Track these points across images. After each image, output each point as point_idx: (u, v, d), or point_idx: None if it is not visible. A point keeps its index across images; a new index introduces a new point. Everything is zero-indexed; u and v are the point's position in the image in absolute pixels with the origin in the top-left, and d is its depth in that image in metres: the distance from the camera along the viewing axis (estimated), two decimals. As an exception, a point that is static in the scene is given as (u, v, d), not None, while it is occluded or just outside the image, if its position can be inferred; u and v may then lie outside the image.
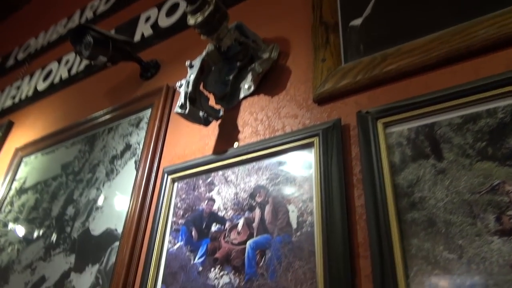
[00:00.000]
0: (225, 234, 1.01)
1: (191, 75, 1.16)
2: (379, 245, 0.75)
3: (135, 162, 1.38)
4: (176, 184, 1.20)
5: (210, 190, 1.11)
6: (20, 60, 2.60)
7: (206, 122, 1.17)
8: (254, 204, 1.00)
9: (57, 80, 2.12)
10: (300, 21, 1.28)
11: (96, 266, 1.23)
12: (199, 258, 1.02)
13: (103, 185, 1.43)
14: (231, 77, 1.25)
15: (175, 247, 1.08)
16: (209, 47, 1.20)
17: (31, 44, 2.63)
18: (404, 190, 0.79)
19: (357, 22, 1.11)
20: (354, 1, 1.15)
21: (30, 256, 1.48)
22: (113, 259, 1.20)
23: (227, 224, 1.02)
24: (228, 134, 1.21)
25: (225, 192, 1.08)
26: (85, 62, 2.03)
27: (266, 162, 1.05)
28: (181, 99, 1.11)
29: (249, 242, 0.95)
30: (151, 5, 1.92)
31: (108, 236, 1.27)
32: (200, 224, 1.07)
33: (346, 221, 0.83)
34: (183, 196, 1.16)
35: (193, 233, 1.07)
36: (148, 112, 1.48)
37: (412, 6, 1.01)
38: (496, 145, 0.74)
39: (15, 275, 1.47)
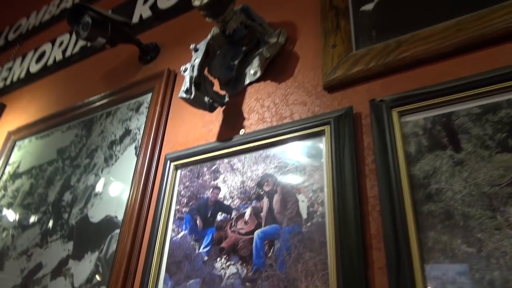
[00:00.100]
0: (232, 224, 0.98)
1: (196, 59, 1.11)
2: (394, 237, 0.74)
3: (135, 148, 1.34)
4: (179, 171, 1.17)
5: (215, 178, 1.08)
6: (10, 41, 2.52)
7: (211, 108, 1.13)
8: (261, 193, 0.98)
9: (50, 62, 2.06)
10: (308, 5, 1.24)
11: (96, 254, 1.20)
12: (204, 248, 0.99)
13: (102, 171, 1.39)
14: (236, 62, 1.21)
15: (179, 235, 1.06)
16: (215, 30, 1.16)
17: (22, 24, 2.54)
18: (420, 181, 0.77)
19: (369, 7, 1.08)
20: (366, -15, 1.11)
21: (26, 242, 1.44)
22: (113, 246, 1.17)
23: (234, 213, 1.00)
24: (233, 121, 1.17)
25: (231, 181, 1.05)
26: (80, 44, 1.96)
27: (274, 150, 1.02)
28: (186, 84, 1.07)
29: (257, 232, 0.93)
30: (150, -14, 1.86)
31: (108, 223, 1.24)
32: (205, 213, 1.05)
33: (359, 212, 0.81)
34: (187, 183, 1.13)
35: (197, 221, 1.05)
36: (148, 97, 1.44)
37: (427, -9, 0.98)
38: (517, 137, 0.72)
39: (10, 261, 1.44)
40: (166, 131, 1.33)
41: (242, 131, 1.12)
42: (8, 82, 2.23)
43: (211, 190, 1.07)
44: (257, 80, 1.20)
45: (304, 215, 0.88)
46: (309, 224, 0.87)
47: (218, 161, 1.11)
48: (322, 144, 0.94)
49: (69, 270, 1.24)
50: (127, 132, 1.41)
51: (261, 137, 1.04)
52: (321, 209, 0.87)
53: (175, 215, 1.10)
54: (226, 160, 1.09)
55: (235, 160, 1.08)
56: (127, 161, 1.33)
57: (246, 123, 1.14)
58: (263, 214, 0.95)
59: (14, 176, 1.73)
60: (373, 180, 0.85)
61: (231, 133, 1.14)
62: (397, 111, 0.85)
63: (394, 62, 0.93)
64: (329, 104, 1.01)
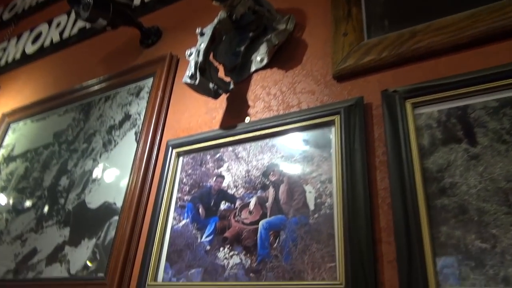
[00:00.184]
0: (236, 213, 0.96)
1: (202, 44, 1.08)
2: (406, 231, 0.72)
3: (135, 133, 1.31)
4: (181, 158, 1.14)
5: (219, 167, 1.06)
6: (5, 20, 2.44)
7: (215, 95, 1.10)
8: (267, 183, 0.96)
9: (47, 43, 2.00)
10: (318, -9, 1.20)
11: (93, 240, 1.18)
12: (206, 237, 0.97)
13: (100, 156, 1.36)
14: (242, 48, 1.18)
15: (181, 224, 1.03)
16: (221, 14, 1.12)
17: (17, 4, 2.47)
18: (434, 174, 0.76)
19: (381, -5, 1.05)
20: (379, -27, 1.08)
21: (20, 227, 1.41)
22: (111, 233, 1.15)
23: (238, 203, 0.97)
24: (238, 108, 1.15)
25: (235, 169, 1.03)
26: (78, 26, 1.91)
27: (281, 139, 0.99)
28: (190, 69, 1.04)
29: (261, 222, 0.91)
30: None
31: (106, 209, 1.21)
32: (208, 202, 1.02)
33: (369, 204, 0.79)
34: (189, 171, 1.11)
35: (200, 210, 1.02)
36: (149, 82, 1.40)
37: (443, -20, 0.96)
38: (535, 132, 0.70)
39: (4, 246, 1.41)
40: (167, 117, 1.30)
41: (247, 119, 1.09)
42: (2, 62, 2.17)
43: (214, 178, 1.05)
44: (264, 68, 1.17)
45: (312, 206, 0.86)
46: (316, 215, 0.85)
47: (222, 149, 1.08)
48: (331, 134, 0.92)
49: (65, 256, 1.21)
50: (127, 117, 1.38)
51: (267, 126, 1.02)
52: (329, 201, 0.85)
53: (176, 203, 1.08)
54: (230, 148, 1.07)
55: (240, 148, 1.05)
56: (127, 147, 1.30)
57: (251, 111, 1.12)
58: (268, 204, 0.93)
59: (8, 159, 1.69)
60: (383, 173, 0.83)
61: (236, 121, 1.11)
62: (410, 103, 0.83)
63: (408, 52, 0.90)
64: (338, 93, 0.99)
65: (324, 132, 0.93)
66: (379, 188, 0.82)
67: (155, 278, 0.98)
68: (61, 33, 1.97)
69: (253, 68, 1.18)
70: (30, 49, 2.07)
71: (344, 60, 0.99)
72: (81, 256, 1.17)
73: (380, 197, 0.81)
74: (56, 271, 1.19)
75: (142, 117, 1.33)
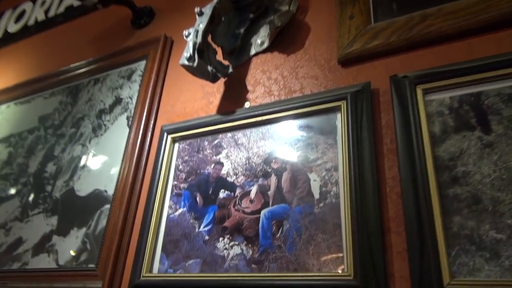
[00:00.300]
0: (236, 202, 0.92)
1: (200, 24, 1.03)
2: (418, 221, 0.70)
3: (127, 118, 1.25)
4: (177, 144, 1.09)
5: (218, 153, 1.01)
6: (-15, -2, 2.32)
7: (214, 78, 1.06)
8: (269, 170, 0.92)
9: (31, 22, 1.90)
10: (320, -27, 1.16)
11: (83, 230, 1.12)
12: (205, 226, 0.93)
13: (89, 142, 1.29)
14: (241, 30, 1.13)
15: (177, 213, 0.99)
16: (221, -7, 1.07)
17: (-2, -19, 2.34)
18: (445, 163, 0.73)
19: (388, -23, 1.01)
20: (385, -46, 1.04)
21: (4, 215, 1.34)
22: (103, 222, 1.10)
23: (238, 191, 0.94)
24: (236, 93, 1.10)
25: (235, 156, 0.98)
26: (65, 4, 1.82)
27: (283, 125, 0.95)
28: (188, 50, 0.99)
29: (263, 211, 0.88)
30: None
31: (97, 197, 1.16)
32: (206, 190, 0.98)
33: (377, 193, 0.77)
34: (186, 158, 1.06)
35: (197, 198, 0.98)
36: (141, 64, 1.34)
37: (454, -37, 0.92)
38: (552, 120, 0.68)
39: (-14, 235, 1.34)
40: (161, 101, 1.24)
41: (247, 104, 1.05)
42: (-18, 42, 2.06)
43: (212, 165, 1.01)
44: (264, 51, 1.12)
45: (317, 195, 0.83)
46: (321, 204, 0.82)
47: (220, 135, 1.04)
48: (337, 121, 0.88)
49: (53, 247, 1.15)
50: (118, 100, 1.32)
51: (268, 111, 0.98)
52: (335, 189, 0.82)
53: (172, 191, 1.03)
54: (229, 134, 1.02)
55: (239, 134, 1.01)
56: (118, 132, 1.24)
57: (251, 95, 1.07)
58: (270, 192, 0.89)
59: (-10, 144, 1.60)
60: (391, 161, 0.80)
61: (235, 106, 1.07)
62: (421, 88, 0.80)
63: (417, 37, 0.87)
64: (343, 79, 0.95)
65: (329, 118, 0.90)
66: (388, 176, 0.79)
67: (150, 269, 0.94)
68: (46, 12, 1.88)
69: (252, 52, 1.13)
70: (13, 28, 1.97)
71: (350, 44, 0.95)
72: (70, 246, 1.12)
73: (389, 186, 0.79)
74: (44, 262, 1.14)
75: (134, 101, 1.27)
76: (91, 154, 1.26)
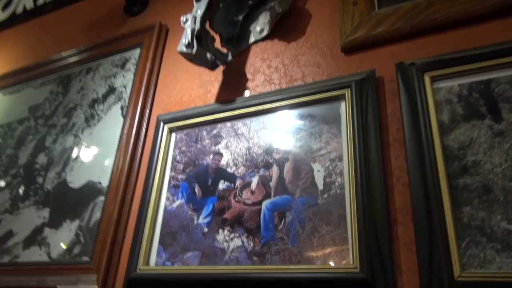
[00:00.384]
0: (236, 193, 0.90)
1: (198, 10, 0.99)
2: (427, 212, 0.67)
3: (121, 107, 1.21)
4: (174, 134, 1.06)
5: (217, 143, 0.98)
6: (-29, -15, 2.24)
7: (213, 66, 1.02)
8: (271, 161, 0.89)
9: (20, 10, 1.84)
10: (321, -41, 1.12)
11: (76, 222, 1.09)
12: (204, 218, 0.90)
13: (82, 132, 1.25)
14: (240, 18, 1.10)
15: (175, 204, 0.96)
16: (219, -22, 1.03)
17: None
18: (455, 152, 0.71)
19: (392, -37, 0.98)
20: None
21: (-7, 208, 1.30)
22: (97, 215, 1.06)
23: (238, 182, 0.91)
24: (235, 82, 1.07)
25: (235, 146, 0.95)
26: (55, -9, 1.76)
27: (284, 114, 0.93)
28: (187, 37, 0.95)
29: (265, 203, 0.85)
30: None
31: (91, 189, 1.12)
32: (204, 181, 0.95)
33: (384, 184, 0.74)
34: (183, 148, 1.03)
35: (196, 190, 0.95)
36: (135, 52, 1.30)
37: None
38: None
39: (-25, 229, 1.29)
40: (157, 90, 1.20)
41: (247, 93, 1.01)
42: (-31, 30, 1.99)
43: (211, 156, 0.98)
44: (263, 39, 1.09)
45: (320, 186, 0.81)
46: (326, 195, 0.79)
47: (219, 125, 1.00)
48: (341, 110, 0.86)
49: (45, 239, 1.11)
50: (112, 90, 1.27)
51: (269, 100, 0.95)
52: (339, 180, 0.79)
53: (169, 182, 1.00)
54: (229, 124, 0.99)
55: (239, 124, 0.98)
56: (112, 122, 1.20)
57: (250, 84, 1.04)
58: (272, 183, 0.86)
59: (-22, 135, 1.55)
60: (398, 150, 0.78)
61: (233, 95, 1.03)
62: (429, 76, 0.78)
63: (424, 23, 0.84)
64: (346, 67, 0.93)
65: (332, 107, 0.87)
66: (394, 166, 0.77)
67: (147, 262, 0.91)
68: (35, 0, 1.81)
69: (251, 39, 1.10)
70: (1, 16, 1.90)
71: (353, 31, 0.92)
72: (62, 239, 1.08)
73: (395, 176, 0.76)
74: (35, 255, 1.10)
75: (128, 91, 1.23)
76: (84, 145, 1.22)
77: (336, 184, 0.79)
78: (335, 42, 0.97)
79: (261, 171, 0.89)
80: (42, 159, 1.28)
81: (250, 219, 0.85)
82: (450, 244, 0.64)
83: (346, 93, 0.85)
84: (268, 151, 0.90)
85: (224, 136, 0.98)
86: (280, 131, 0.91)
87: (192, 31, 0.96)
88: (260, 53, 1.08)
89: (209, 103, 1.06)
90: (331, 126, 0.85)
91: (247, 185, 0.89)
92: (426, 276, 0.64)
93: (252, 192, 0.88)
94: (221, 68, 1.11)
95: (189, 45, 0.94)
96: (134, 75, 1.24)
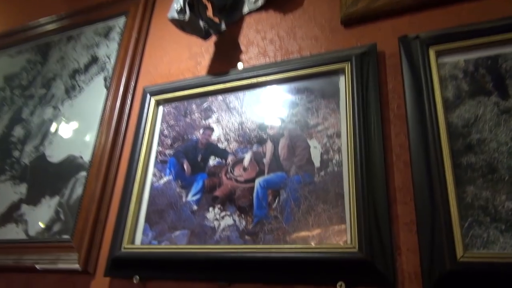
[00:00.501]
0: (227, 170, 0.85)
1: (190, -26, 0.92)
2: (429, 191, 0.65)
3: (105, 78, 1.14)
4: (161, 107, 1.00)
5: (207, 117, 0.93)
6: None
7: (206, 35, 0.96)
8: (265, 136, 0.85)
9: (-7, -27, 1.71)
10: None
11: (56, 199, 1.03)
12: (193, 196, 0.86)
13: (62, 104, 1.18)
14: (234, -15, 1.04)
15: (162, 181, 0.91)
16: None
17: None
18: (459, 130, 0.68)
19: None
20: None
21: (-35, 183, 1.22)
22: (78, 191, 1.00)
23: (230, 158, 0.86)
24: (227, 54, 1.01)
25: (226, 121, 0.91)
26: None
27: (280, 88, 0.88)
28: (179, 2, 0.89)
29: (258, 180, 0.81)
30: None
31: (71, 164, 1.06)
32: (194, 157, 0.90)
33: (384, 161, 0.71)
34: (171, 122, 0.97)
35: (185, 166, 0.90)
36: (120, 21, 1.22)
37: None
38: None
39: None
40: (143, 61, 1.14)
41: (240, 65, 0.96)
42: None
43: (201, 130, 0.93)
44: (258, 10, 1.03)
45: (317, 163, 0.77)
46: (322, 173, 0.76)
47: (210, 98, 0.95)
48: (340, 84, 0.82)
49: (21, 216, 1.05)
50: (94, 60, 1.20)
51: (264, 73, 0.90)
52: (337, 157, 0.76)
53: (156, 157, 0.95)
54: (220, 97, 0.94)
55: (231, 97, 0.93)
56: (95, 93, 1.13)
57: (243, 56, 0.99)
58: (266, 160, 0.82)
59: None
60: (398, 127, 0.75)
61: (226, 67, 0.98)
62: (434, 50, 0.74)
63: (428, -5, 0.80)
64: (346, 40, 0.88)
65: (331, 81, 0.83)
66: (394, 144, 0.74)
67: (132, 240, 0.86)
68: (10, -38, 1.69)
69: (245, 10, 1.04)
70: (-28, -21, 1.77)
71: (354, 3, 0.88)
72: (41, 216, 1.02)
73: (395, 154, 0.73)
74: (11, 232, 1.04)
75: (112, 61, 1.16)
76: (64, 117, 1.15)
77: (334, 161, 0.76)
78: (334, 14, 0.92)
79: (254, 147, 0.85)
80: (18, 131, 1.21)
81: (242, 196, 0.81)
82: (453, 224, 0.62)
83: (346, 67, 0.81)
84: (262, 126, 0.86)
85: (215, 110, 0.93)
86: (275, 106, 0.87)
87: (183, -4, 0.89)
88: (254, 24, 1.02)
89: (199, 75, 1.00)
90: (329, 101, 0.81)
91: (239, 161, 0.85)
92: (427, 257, 0.62)
93: (245, 169, 0.84)
94: (212, 40, 1.05)
95: (181, 11, 0.88)
96: (119, 45, 1.17)
